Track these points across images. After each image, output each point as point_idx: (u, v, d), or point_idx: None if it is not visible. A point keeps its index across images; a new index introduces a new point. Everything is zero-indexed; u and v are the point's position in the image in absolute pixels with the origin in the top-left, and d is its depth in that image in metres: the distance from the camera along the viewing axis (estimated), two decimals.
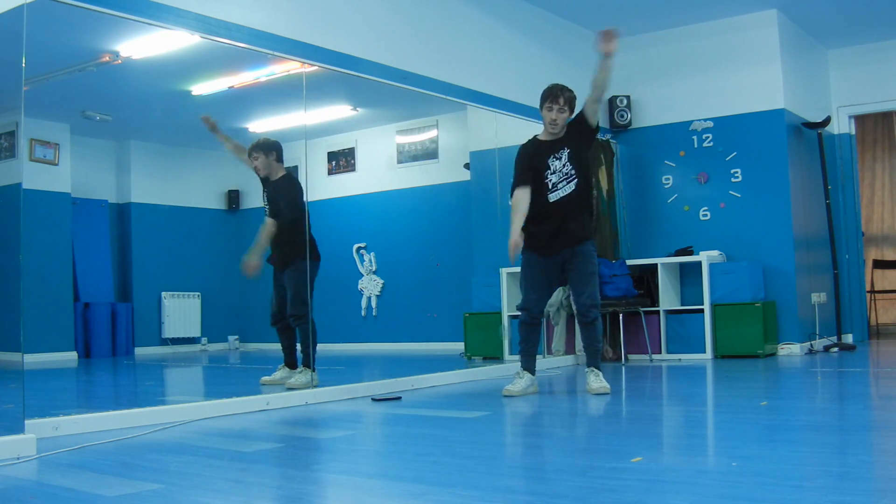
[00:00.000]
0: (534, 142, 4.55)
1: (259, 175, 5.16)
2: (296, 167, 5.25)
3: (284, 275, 5.03)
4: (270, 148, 5.12)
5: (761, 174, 6.76)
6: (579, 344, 6.19)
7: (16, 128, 7.11)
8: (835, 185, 7.55)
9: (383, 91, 5.41)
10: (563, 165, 4.39)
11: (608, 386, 4.38)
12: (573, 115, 4.51)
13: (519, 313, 4.61)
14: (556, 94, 4.42)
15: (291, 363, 5.05)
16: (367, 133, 8.58)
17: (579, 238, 4.42)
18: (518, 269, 4.64)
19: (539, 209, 4.42)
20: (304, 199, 5.08)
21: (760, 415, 3.53)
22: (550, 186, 4.40)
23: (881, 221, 9.79)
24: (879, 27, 7.18)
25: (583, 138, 4.50)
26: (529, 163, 4.48)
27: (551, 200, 4.39)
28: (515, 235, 4.36)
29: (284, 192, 5.07)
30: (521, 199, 4.43)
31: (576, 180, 4.39)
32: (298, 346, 4.99)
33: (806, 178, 7.09)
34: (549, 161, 4.41)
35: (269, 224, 5.00)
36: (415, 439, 3.25)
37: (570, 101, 4.44)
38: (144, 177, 8.78)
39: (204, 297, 8.91)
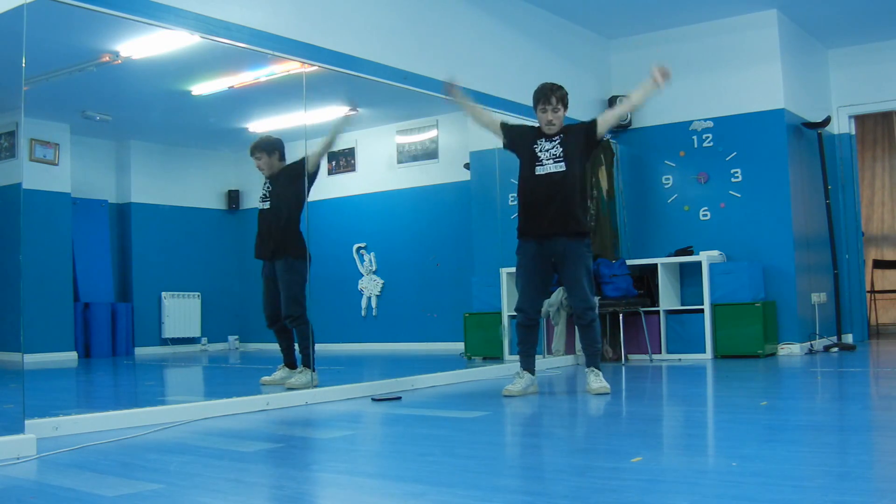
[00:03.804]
0: (534, 127, 4.59)
1: (264, 175, 5.12)
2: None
3: (276, 271, 4.96)
4: (273, 147, 5.06)
5: (761, 174, 6.76)
6: (579, 344, 6.18)
7: (16, 128, 7.12)
8: (835, 185, 7.55)
9: (383, 91, 5.40)
10: (553, 147, 4.41)
11: (608, 386, 4.37)
12: (585, 121, 4.55)
13: (516, 314, 4.61)
14: (547, 95, 4.43)
15: (291, 363, 5.03)
16: (367, 133, 8.58)
17: (574, 229, 4.38)
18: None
19: (526, 183, 4.45)
20: (306, 192, 4.99)
21: (760, 415, 3.53)
22: (536, 161, 4.42)
23: (881, 221, 9.79)
24: (879, 27, 7.18)
25: (585, 145, 4.50)
26: (519, 128, 4.61)
27: (537, 173, 4.40)
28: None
29: (288, 179, 4.98)
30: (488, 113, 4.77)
31: (563, 163, 4.37)
32: (297, 346, 4.97)
33: (806, 178, 7.09)
34: (541, 141, 4.45)
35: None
36: (414, 439, 3.25)
37: (562, 98, 4.47)
38: (144, 177, 8.78)
39: (204, 297, 8.90)
